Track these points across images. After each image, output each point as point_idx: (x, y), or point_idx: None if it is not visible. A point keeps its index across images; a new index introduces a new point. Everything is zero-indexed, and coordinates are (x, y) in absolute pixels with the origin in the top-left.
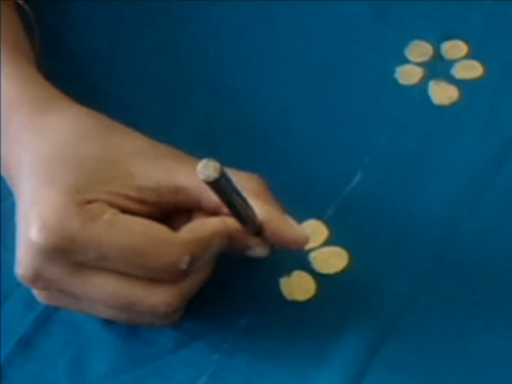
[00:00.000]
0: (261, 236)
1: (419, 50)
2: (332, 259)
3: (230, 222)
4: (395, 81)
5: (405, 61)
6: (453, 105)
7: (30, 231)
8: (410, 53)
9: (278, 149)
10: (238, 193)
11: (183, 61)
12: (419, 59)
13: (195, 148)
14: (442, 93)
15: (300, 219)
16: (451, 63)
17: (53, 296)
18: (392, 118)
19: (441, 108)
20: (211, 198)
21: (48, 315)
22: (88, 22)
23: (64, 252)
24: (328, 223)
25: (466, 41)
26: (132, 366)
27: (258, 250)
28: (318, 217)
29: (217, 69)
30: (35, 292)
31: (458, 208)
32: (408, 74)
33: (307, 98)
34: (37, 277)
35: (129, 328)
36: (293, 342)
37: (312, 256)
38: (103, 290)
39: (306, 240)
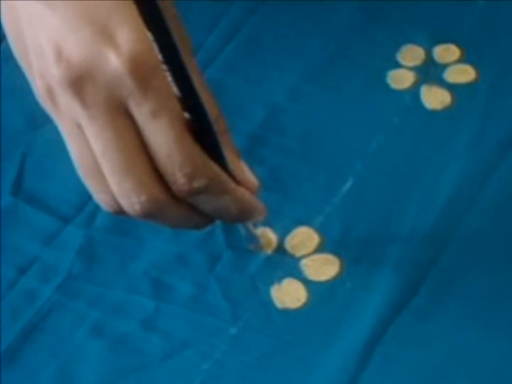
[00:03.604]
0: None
1: (411, 54)
2: (323, 267)
3: None
4: (387, 86)
5: (397, 65)
6: (445, 109)
7: None
8: (402, 57)
9: (269, 155)
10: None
11: None
12: (411, 63)
13: None
14: (434, 98)
15: (291, 225)
16: (443, 67)
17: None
18: (384, 123)
19: (433, 112)
20: None
21: (34, 325)
22: None
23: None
24: (319, 229)
25: (458, 45)
26: (120, 376)
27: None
28: (309, 223)
29: (206, 73)
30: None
31: (451, 214)
32: (400, 79)
33: (298, 103)
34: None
35: (117, 338)
36: (284, 351)
37: (303, 263)
38: None
39: (256, 187)
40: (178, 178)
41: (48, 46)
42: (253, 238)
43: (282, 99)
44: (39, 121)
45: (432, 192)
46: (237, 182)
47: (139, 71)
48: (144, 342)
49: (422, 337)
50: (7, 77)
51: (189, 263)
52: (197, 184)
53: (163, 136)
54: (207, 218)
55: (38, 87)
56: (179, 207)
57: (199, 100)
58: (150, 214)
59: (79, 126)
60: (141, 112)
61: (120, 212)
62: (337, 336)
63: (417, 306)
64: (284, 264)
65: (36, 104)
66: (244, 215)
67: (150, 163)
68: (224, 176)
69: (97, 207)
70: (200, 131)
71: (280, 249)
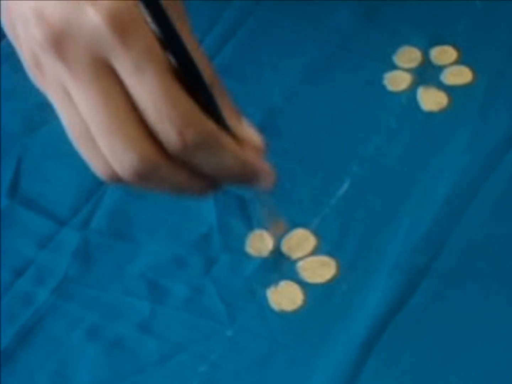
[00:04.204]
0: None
1: (407, 56)
2: (319, 269)
3: None
4: (383, 88)
5: (394, 67)
6: (442, 111)
7: None
8: (399, 59)
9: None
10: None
11: None
12: (407, 65)
13: None
14: (431, 99)
15: (287, 227)
16: (440, 68)
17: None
18: (380, 125)
19: (430, 114)
20: None
21: (30, 328)
22: None
23: None
24: (316, 231)
25: (455, 47)
26: (116, 379)
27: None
28: (306, 225)
29: None
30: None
31: (447, 216)
32: (397, 80)
33: (294, 105)
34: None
35: (112, 341)
36: (281, 353)
37: (300, 266)
38: None
39: (260, 146)
40: (170, 132)
41: (31, 12)
42: (274, 218)
43: (279, 101)
44: (35, 123)
45: (428, 194)
46: (239, 142)
47: (118, 25)
48: (140, 345)
49: (418, 339)
50: (3, 79)
51: (186, 266)
52: (190, 137)
53: (148, 88)
54: (208, 181)
55: (25, 57)
56: (175, 168)
57: (183, 45)
58: (144, 176)
59: (66, 92)
60: (124, 66)
61: (116, 179)
62: (334, 338)
63: (413, 309)
64: (281, 266)
65: (33, 106)
66: (248, 175)
67: (140, 121)
68: (219, 131)
69: (93, 210)
70: (191, 84)
71: (277, 251)
